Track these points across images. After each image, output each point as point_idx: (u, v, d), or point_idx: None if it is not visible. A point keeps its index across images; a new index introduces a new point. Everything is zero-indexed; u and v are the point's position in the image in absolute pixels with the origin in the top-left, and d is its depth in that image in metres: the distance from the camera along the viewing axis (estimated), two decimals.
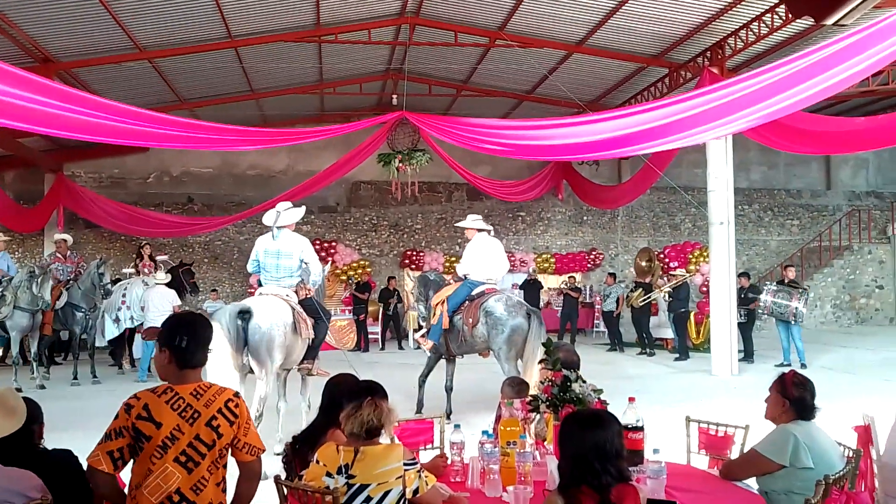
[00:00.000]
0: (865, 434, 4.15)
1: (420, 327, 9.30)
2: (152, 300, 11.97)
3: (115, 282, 12.89)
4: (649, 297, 14.77)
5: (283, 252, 6.91)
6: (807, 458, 3.27)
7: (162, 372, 2.88)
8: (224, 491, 2.87)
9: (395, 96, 15.30)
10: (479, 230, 8.63)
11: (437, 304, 8.36)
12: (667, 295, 14.30)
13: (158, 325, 10.73)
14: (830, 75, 7.51)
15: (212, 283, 18.23)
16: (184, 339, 2.84)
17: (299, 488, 2.83)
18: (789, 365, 11.96)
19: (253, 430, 2.88)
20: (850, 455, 3.46)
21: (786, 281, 12.98)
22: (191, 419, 2.74)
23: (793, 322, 12.34)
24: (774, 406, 3.55)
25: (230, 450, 2.86)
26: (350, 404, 2.94)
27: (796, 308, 12.31)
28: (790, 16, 10.33)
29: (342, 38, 13.15)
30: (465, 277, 8.40)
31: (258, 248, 7.04)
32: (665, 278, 15.30)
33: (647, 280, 15.52)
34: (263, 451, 2.92)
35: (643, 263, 16.78)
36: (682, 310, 14.02)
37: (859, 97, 15.55)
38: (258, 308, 6.49)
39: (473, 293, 8.26)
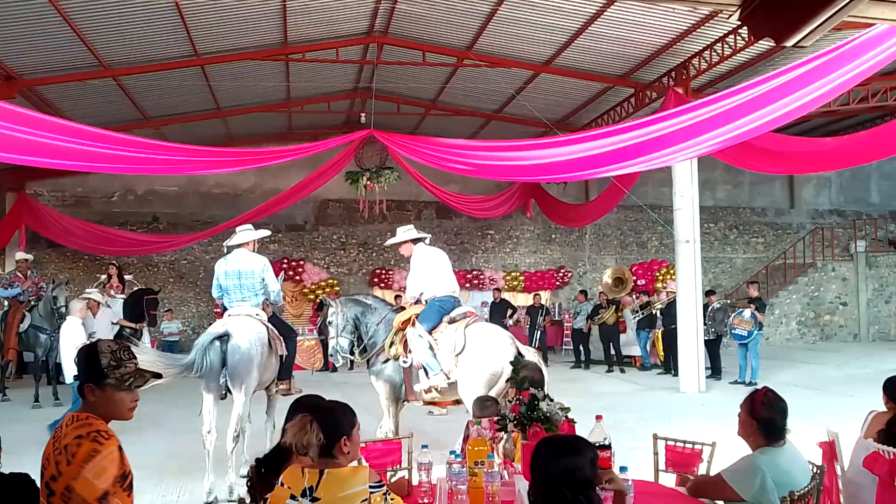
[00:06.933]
0: (830, 450, 4.18)
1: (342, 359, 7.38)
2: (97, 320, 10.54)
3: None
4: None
5: (244, 272, 6.86)
6: (773, 494, 3.15)
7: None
8: None
9: (363, 115, 15.27)
10: (415, 240, 7.21)
11: (401, 329, 6.92)
12: (659, 312, 14.45)
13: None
14: (796, 98, 7.64)
15: (177, 303, 17.99)
16: None
17: None
18: (743, 383, 12.20)
19: (84, 477, 2.39)
20: (815, 471, 3.42)
21: (750, 298, 13.12)
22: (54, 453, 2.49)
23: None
24: (744, 425, 3.45)
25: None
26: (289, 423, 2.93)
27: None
28: (752, 38, 10.53)
29: (310, 56, 13.13)
30: (420, 298, 7.05)
31: (218, 273, 6.98)
32: (637, 296, 15.57)
33: (619, 298, 15.69)
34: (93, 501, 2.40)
35: (610, 281, 16.93)
36: (673, 325, 13.07)
37: (821, 117, 15.89)
38: (235, 328, 6.51)
39: (452, 314, 6.91)
